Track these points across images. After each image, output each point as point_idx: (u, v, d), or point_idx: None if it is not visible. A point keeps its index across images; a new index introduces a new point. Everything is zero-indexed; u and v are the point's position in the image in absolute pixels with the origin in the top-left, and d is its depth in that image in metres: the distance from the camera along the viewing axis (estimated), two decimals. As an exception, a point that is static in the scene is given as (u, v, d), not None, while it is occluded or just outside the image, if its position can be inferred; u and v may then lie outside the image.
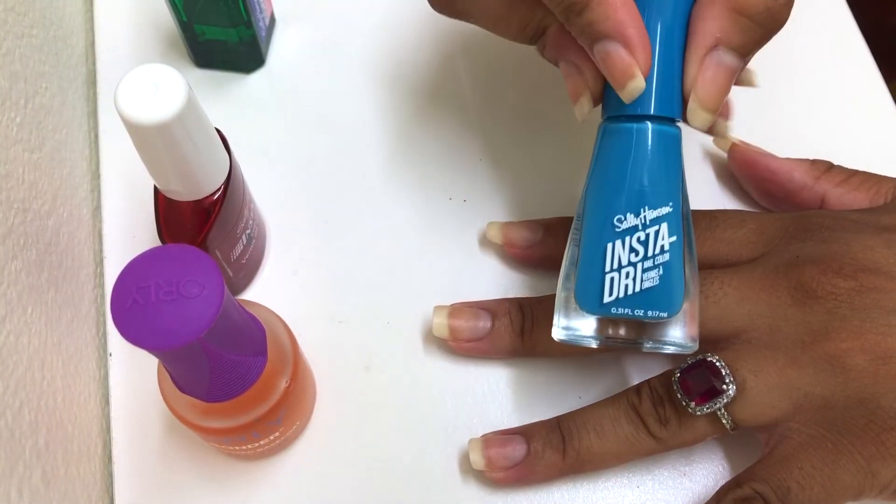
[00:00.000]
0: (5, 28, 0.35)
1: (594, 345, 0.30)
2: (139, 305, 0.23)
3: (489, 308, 0.35)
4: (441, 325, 0.35)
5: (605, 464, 0.33)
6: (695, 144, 0.41)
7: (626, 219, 0.28)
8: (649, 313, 0.28)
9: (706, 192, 0.40)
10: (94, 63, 0.43)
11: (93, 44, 0.44)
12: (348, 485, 0.35)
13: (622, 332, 0.29)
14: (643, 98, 0.28)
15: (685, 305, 0.29)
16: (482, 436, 0.34)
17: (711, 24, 0.27)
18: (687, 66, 0.28)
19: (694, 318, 0.29)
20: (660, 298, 0.28)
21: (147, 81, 0.27)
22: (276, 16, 0.44)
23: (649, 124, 0.28)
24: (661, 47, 0.27)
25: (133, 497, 0.34)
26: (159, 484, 0.34)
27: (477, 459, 0.33)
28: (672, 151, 0.29)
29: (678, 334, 0.29)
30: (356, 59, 0.43)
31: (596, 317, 0.29)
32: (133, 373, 0.36)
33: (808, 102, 0.42)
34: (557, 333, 0.30)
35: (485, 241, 0.39)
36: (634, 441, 0.31)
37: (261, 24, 0.41)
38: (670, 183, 0.28)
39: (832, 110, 0.42)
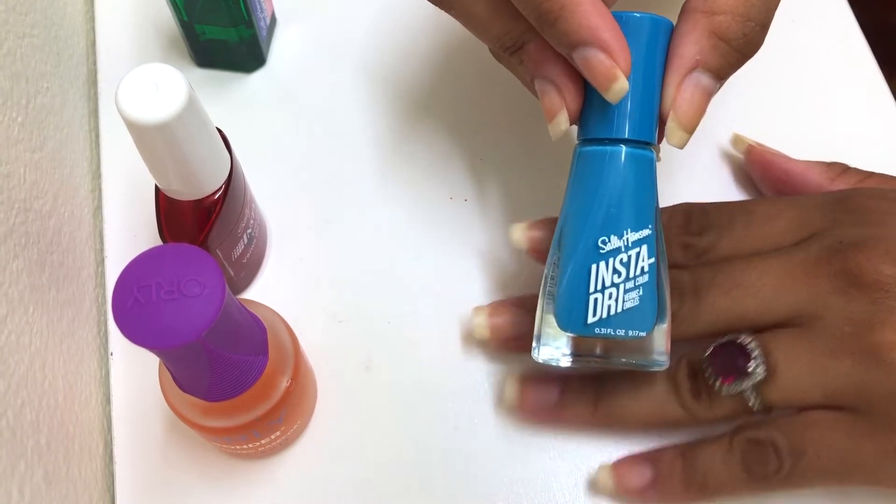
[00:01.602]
0: (6, 28, 0.35)
1: (568, 363, 0.30)
2: (140, 305, 0.23)
3: (528, 305, 0.35)
4: (481, 325, 0.35)
5: (632, 426, 0.33)
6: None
7: (609, 241, 0.29)
8: (630, 333, 0.29)
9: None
10: (94, 63, 0.43)
11: (94, 43, 0.44)
12: (349, 484, 0.35)
13: (598, 350, 0.30)
14: (619, 122, 0.28)
15: (662, 324, 0.29)
16: (519, 374, 0.34)
17: (692, 48, 0.27)
18: (666, 87, 0.28)
19: (668, 334, 0.30)
20: (639, 318, 0.29)
21: (148, 81, 0.27)
22: (277, 15, 0.44)
23: (626, 148, 0.29)
24: (635, 74, 0.27)
25: (134, 496, 0.34)
26: (160, 483, 0.34)
27: (511, 394, 0.33)
28: (650, 174, 0.29)
29: (652, 350, 0.29)
30: (357, 58, 0.43)
31: (570, 336, 0.30)
32: (134, 372, 0.36)
33: (809, 102, 0.42)
34: (534, 353, 0.31)
35: (486, 241, 0.39)
36: (665, 406, 0.32)
37: (261, 23, 0.41)
38: (649, 205, 0.29)
39: (833, 110, 0.42)
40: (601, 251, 0.29)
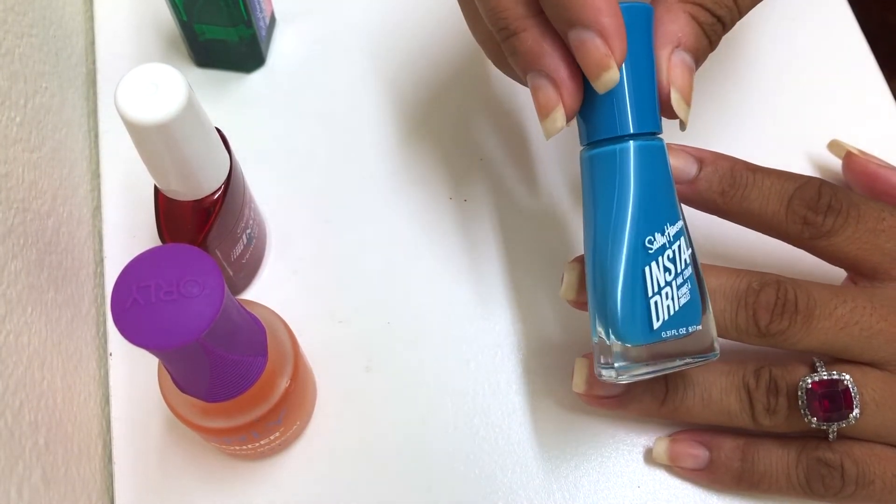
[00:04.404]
0: (5, 27, 0.35)
1: (612, 378, 0.28)
2: (139, 305, 0.23)
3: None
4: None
5: (695, 423, 0.33)
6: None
7: (655, 239, 0.27)
8: (690, 329, 0.28)
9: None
10: (94, 62, 0.43)
11: (93, 43, 0.44)
12: (348, 485, 0.35)
13: (654, 356, 0.28)
14: (623, 117, 0.27)
15: (707, 312, 0.28)
16: (588, 361, 0.33)
17: (673, 27, 0.28)
18: (659, 63, 0.28)
19: (714, 323, 0.29)
20: (693, 311, 0.28)
21: (147, 81, 0.27)
22: (276, 15, 0.44)
23: (638, 142, 0.27)
24: (630, 67, 0.27)
25: (133, 497, 0.34)
26: (159, 484, 0.34)
27: (579, 381, 0.33)
28: (666, 164, 0.28)
29: (706, 341, 0.28)
30: (356, 58, 0.43)
31: (618, 352, 0.28)
32: (133, 372, 0.36)
33: (809, 102, 0.42)
34: (597, 371, 0.29)
35: (486, 241, 0.39)
36: (733, 417, 0.31)
37: (261, 23, 0.41)
38: (673, 195, 0.28)
39: (833, 110, 0.42)
40: (649, 251, 0.27)
